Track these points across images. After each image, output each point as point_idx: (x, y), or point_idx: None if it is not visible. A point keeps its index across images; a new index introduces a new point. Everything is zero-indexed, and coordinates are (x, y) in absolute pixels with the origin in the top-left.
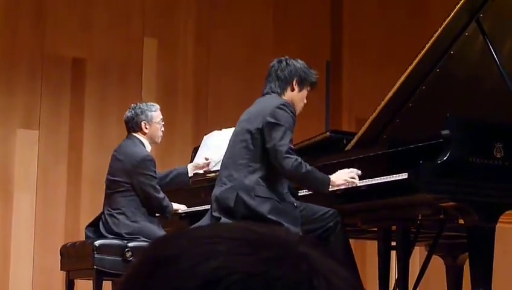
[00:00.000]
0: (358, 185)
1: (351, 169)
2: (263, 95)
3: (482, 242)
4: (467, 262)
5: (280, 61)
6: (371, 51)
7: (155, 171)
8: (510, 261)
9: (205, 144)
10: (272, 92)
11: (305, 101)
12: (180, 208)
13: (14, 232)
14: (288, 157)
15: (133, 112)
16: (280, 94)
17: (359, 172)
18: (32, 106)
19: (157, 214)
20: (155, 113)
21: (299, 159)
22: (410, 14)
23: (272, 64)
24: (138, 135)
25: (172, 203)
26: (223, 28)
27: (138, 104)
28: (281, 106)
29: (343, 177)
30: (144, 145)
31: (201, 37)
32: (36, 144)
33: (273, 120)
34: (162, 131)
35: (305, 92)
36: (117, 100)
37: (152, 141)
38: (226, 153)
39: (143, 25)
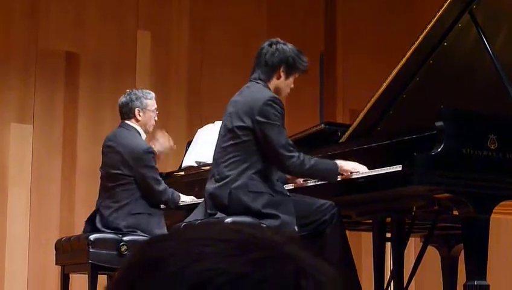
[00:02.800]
0: (353, 177)
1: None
2: (250, 80)
3: (477, 233)
4: (462, 253)
5: (271, 45)
6: (365, 42)
7: (155, 163)
8: (504, 251)
9: (197, 140)
10: (259, 79)
11: (292, 86)
12: (187, 200)
13: (9, 226)
14: (291, 156)
15: (128, 97)
16: (266, 81)
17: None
18: (26, 100)
19: (162, 206)
20: (150, 101)
21: (301, 155)
22: (405, 4)
23: (262, 45)
24: (132, 123)
25: (181, 195)
26: (216, 19)
27: (134, 90)
28: (268, 102)
29: (352, 164)
30: (139, 134)
31: (195, 29)
32: (30, 138)
33: (263, 119)
34: (155, 120)
35: (291, 79)
36: (111, 94)
37: (145, 130)
38: (216, 147)
39: (136, 18)
